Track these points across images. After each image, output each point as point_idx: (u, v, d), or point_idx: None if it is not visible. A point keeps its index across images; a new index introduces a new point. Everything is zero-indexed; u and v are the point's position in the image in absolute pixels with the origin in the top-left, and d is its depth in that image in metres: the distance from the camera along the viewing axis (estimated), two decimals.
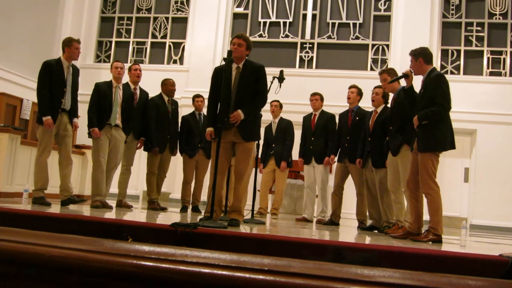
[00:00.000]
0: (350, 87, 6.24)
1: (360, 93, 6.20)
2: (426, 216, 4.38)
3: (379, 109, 5.61)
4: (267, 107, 6.40)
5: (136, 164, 6.81)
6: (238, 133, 4.35)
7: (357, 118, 6.04)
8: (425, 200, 4.35)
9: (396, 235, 4.52)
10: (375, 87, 5.71)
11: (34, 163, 5.12)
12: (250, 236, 3.66)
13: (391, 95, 5.39)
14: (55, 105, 5.02)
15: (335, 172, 6.30)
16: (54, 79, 5.02)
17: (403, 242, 4.06)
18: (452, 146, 4.30)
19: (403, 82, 4.77)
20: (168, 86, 6.32)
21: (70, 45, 5.15)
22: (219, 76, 4.33)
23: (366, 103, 6.38)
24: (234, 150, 4.49)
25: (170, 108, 6.30)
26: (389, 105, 5.53)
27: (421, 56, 4.35)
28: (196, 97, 6.77)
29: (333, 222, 6.12)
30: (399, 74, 4.81)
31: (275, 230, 4.83)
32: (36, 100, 5.13)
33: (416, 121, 4.28)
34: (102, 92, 5.47)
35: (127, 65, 5.96)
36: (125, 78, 6.10)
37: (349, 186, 6.23)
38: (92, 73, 9.71)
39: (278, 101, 6.91)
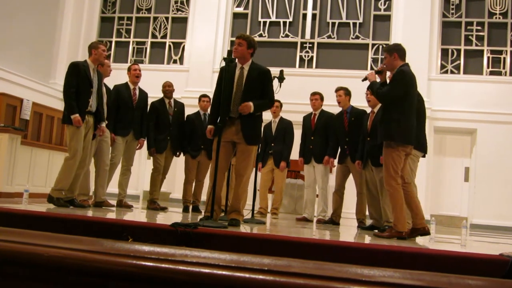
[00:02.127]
0: (337, 90, 6.24)
1: (348, 93, 6.21)
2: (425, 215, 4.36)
3: (376, 109, 5.61)
4: None
5: (136, 164, 6.81)
6: (241, 134, 4.33)
7: (353, 118, 6.04)
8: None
9: (382, 235, 4.44)
10: (368, 88, 5.73)
11: (64, 162, 5.03)
12: (250, 236, 3.66)
13: None
14: (81, 105, 5.00)
15: (336, 173, 6.30)
16: (80, 79, 5.01)
17: (402, 242, 4.05)
18: (407, 141, 4.28)
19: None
20: (162, 88, 6.40)
21: (97, 48, 5.18)
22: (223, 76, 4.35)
23: (358, 102, 6.42)
24: (235, 149, 4.49)
25: (171, 111, 6.33)
26: None
27: (395, 51, 4.42)
28: (202, 97, 6.74)
29: (334, 221, 6.12)
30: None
31: (275, 230, 4.83)
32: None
33: (372, 76, 4.52)
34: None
35: (126, 65, 5.95)
36: (125, 78, 6.11)
37: (350, 186, 6.23)
38: None
39: (278, 101, 6.90)
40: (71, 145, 4.97)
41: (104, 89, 5.53)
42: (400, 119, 4.25)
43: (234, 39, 4.79)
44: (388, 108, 4.36)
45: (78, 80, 5.01)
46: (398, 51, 4.41)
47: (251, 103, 4.26)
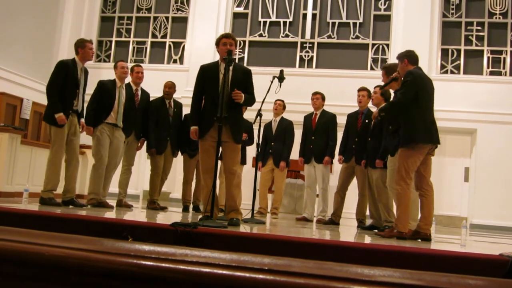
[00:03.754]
0: (360, 90, 6.21)
1: (370, 95, 6.19)
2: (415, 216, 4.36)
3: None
4: (269, 105, 6.43)
5: (137, 164, 6.81)
6: (230, 134, 4.36)
7: (366, 121, 6.00)
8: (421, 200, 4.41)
9: (382, 234, 4.45)
10: (375, 87, 5.72)
11: (47, 163, 5.03)
12: (250, 236, 3.66)
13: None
14: (67, 105, 4.95)
15: (340, 171, 6.28)
16: (68, 79, 4.95)
17: (402, 242, 4.05)
18: (426, 140, 4.27)
19: None
20: (163, 88, 6.38)
21: (84, 46, 5.10)
22: (207, 74, 4.38)
23: (354, 102, 6.41)
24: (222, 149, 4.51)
25: (171, 111, 6.31)
26: None
27: (406, 57, 4.51)
28: None
29: (334, 221, 6.11)
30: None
31: (275, 230, 4.83)
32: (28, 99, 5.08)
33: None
34: (106, 90, 5.43)
35: (128, 66, 5.95)
36: (127, 79, 6.11)
37: (352, 186, 6.22)
38: (92, 73, 9.52)
39: (282, 100, 6.91)
40: (54, 145, 4.96)
41: (123, 92, 5.52)
42: (415, 120, 4.26)
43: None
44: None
45: (65, 80, 4.93)
46: (408, 57, 4.49)
47: (243, 94, 4.34)
